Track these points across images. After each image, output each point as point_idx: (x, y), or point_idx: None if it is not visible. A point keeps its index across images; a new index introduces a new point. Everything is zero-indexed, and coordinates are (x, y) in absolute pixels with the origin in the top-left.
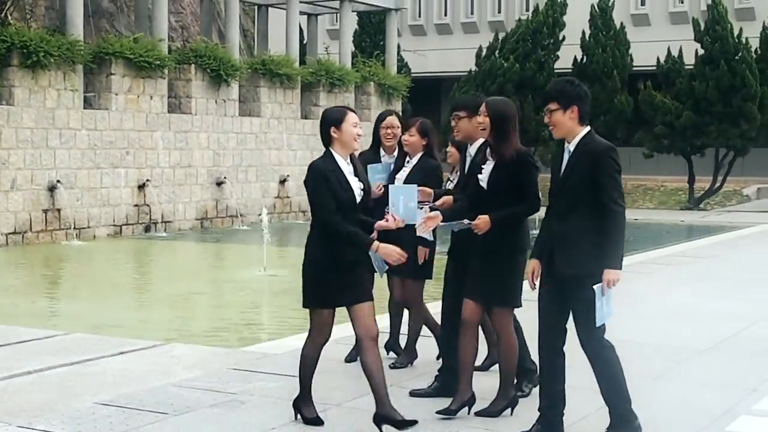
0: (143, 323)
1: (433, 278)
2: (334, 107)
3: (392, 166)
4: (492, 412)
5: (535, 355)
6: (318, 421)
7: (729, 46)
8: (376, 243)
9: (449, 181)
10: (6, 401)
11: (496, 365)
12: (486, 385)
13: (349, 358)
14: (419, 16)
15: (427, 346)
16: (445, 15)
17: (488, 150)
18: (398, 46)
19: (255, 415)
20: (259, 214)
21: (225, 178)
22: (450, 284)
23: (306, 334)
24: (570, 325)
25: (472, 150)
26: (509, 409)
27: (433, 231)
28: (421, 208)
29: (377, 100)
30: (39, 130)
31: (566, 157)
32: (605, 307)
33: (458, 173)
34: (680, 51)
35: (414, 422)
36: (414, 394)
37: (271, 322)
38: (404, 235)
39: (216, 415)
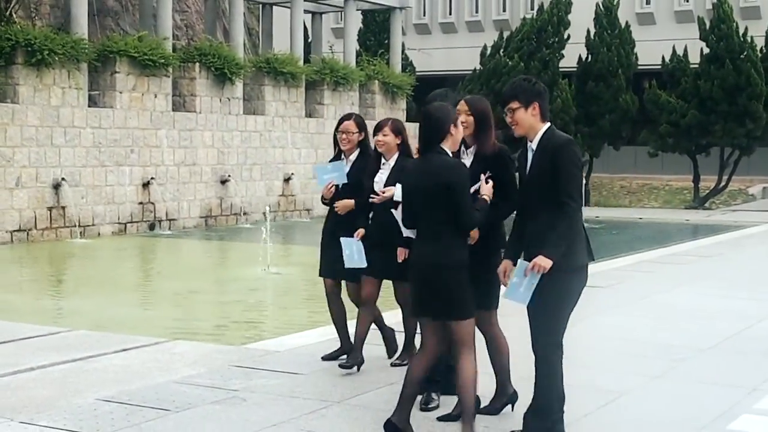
0: (146, 320)
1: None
2: None
3: (347, 166)
4: (492, 410)
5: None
6: None
7: (734, 44)
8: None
9: None
10: (9, 397)
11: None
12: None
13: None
14: (424, 15)
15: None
16: (450, 14)
17: (463, 148)
18: (403, 45)
19: (256, 412)
20: (264, 212)
21: (229, 176)
22: None
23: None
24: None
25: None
26: (510, 406)
27: None
28: None
29: (381, 98)
30: (44, 128)
31: (530, 155)
32: (521, 288)
33: None
34: (685, 50)
35: None
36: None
37: (273, 320)
38: (381, 237)
39: (217, 412)
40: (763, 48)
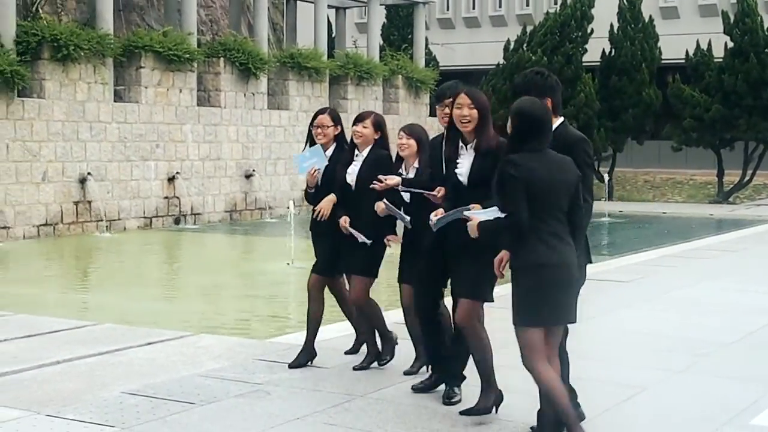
0: (171, 314)
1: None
2: None
3: (328, 154)
4: (483, 409)
5: None
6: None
7: (759, 38)
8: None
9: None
10: (35, 390)
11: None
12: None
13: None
14: (447, 10)
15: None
16: (473, 8)
17: (460, 143)
18: (426, 40)
19: (280, 405)
20: (288, 207)
21: (254, 170)
22: (423, 283)
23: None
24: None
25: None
26: (494, 407)
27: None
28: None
29: (405, 93)
30: (70, 123)
31: None
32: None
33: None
34: (709, 44)
35: None
36: (416, 389)
37: (297, 314)
38: (358, 228)
39: (242, 405)
40: None
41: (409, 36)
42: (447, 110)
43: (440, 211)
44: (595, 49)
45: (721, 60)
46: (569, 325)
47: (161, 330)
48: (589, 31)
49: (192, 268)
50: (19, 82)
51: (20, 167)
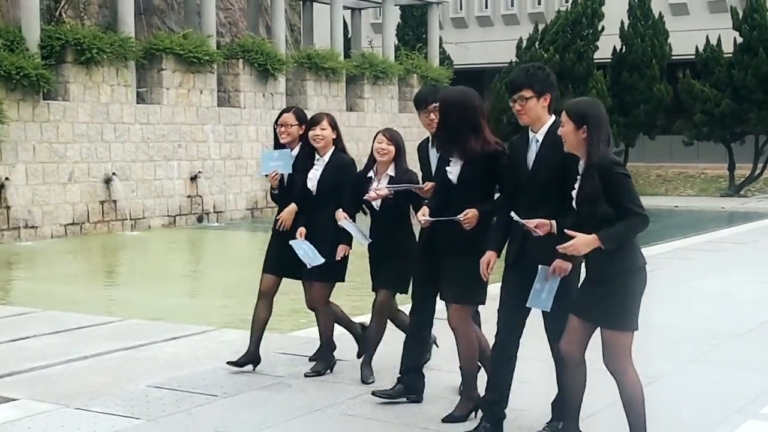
0: (195, 310)
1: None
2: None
3: (293, 156)
4: (459, 416)
5: None
6: None
7: (767, 34)
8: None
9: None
10: (63, 384)
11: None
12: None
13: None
14: (461, 9)
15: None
16: (486, 7)
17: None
18: (440, 39)
19: (301, 397)
20: None
21: None
22: (420, 286)
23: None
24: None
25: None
26: (474, 413)
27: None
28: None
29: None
30: (94, 124)
31: (534, 147)
32: (543, 294)
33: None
34: (719, 39)
35: None
36: (378, 394)
37: None
38: (318, 234)
39: (264, 398)
40: None
41: (424, 35)
42: (432, 116)
43: (425, 210)
44: (606, 46)
45: (730, 55)
46: None
47: (185, 325)
48: (600, 28)
49: (215, 265)
50: (45, 86)
51: (47, 168)
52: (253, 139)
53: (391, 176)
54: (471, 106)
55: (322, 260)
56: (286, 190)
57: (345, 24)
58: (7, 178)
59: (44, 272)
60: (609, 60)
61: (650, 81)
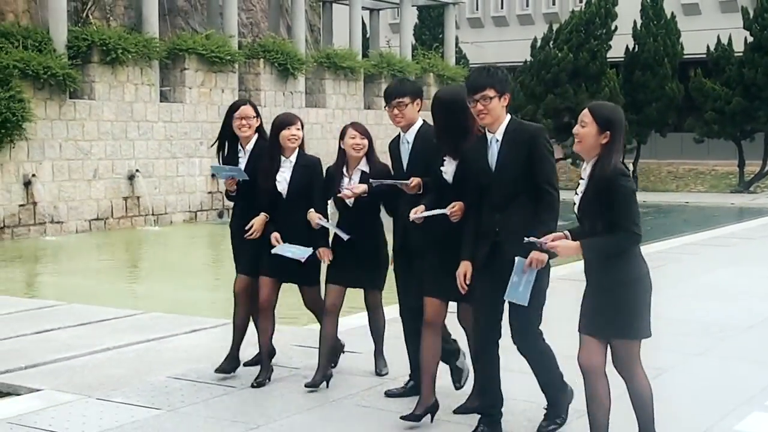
0: (214, 303)
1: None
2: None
3: (245, 156)
4: (471, 408)
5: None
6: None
7: None
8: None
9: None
10: (86, 375)
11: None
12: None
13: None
14: (476, 9)
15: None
16: (502, 8)
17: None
18: (456, 39)
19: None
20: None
21: None
22: (408, 283)
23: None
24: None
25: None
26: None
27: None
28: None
29: (436, 90)
30: (118, 122)
31: (495, 147)
32: (520, 287)
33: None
34: (730, 39)
35: None
36: (390, 394)
37: None
38: (293, 239)
39: (280, 389)
40: None
41: (440, 35)
42: (395, 110)
43: (421, 208)
44: (619, 45)
45: (741, 54)
46: None
47: (204, 318)
48: (613, 28)
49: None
50: (71, 85)
51: (72, 165)
52: None
53: (363, 171)
54: (463, 106)
55: (310, 250)
56: (244, 186)
57: (363, 24)
58: (34, 175)
59: (69, 266)
60: (622, 59)
61: (662, 79)
